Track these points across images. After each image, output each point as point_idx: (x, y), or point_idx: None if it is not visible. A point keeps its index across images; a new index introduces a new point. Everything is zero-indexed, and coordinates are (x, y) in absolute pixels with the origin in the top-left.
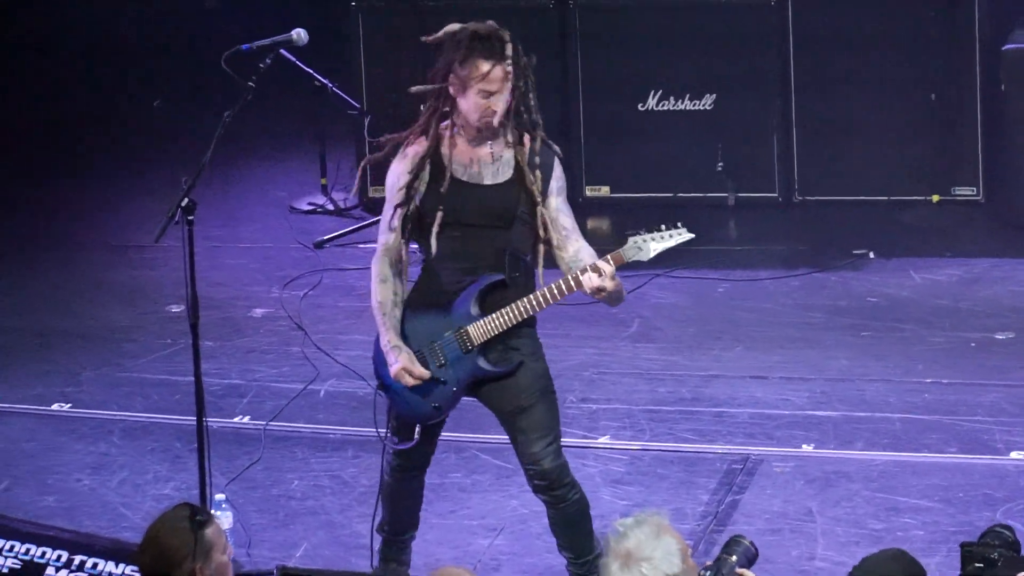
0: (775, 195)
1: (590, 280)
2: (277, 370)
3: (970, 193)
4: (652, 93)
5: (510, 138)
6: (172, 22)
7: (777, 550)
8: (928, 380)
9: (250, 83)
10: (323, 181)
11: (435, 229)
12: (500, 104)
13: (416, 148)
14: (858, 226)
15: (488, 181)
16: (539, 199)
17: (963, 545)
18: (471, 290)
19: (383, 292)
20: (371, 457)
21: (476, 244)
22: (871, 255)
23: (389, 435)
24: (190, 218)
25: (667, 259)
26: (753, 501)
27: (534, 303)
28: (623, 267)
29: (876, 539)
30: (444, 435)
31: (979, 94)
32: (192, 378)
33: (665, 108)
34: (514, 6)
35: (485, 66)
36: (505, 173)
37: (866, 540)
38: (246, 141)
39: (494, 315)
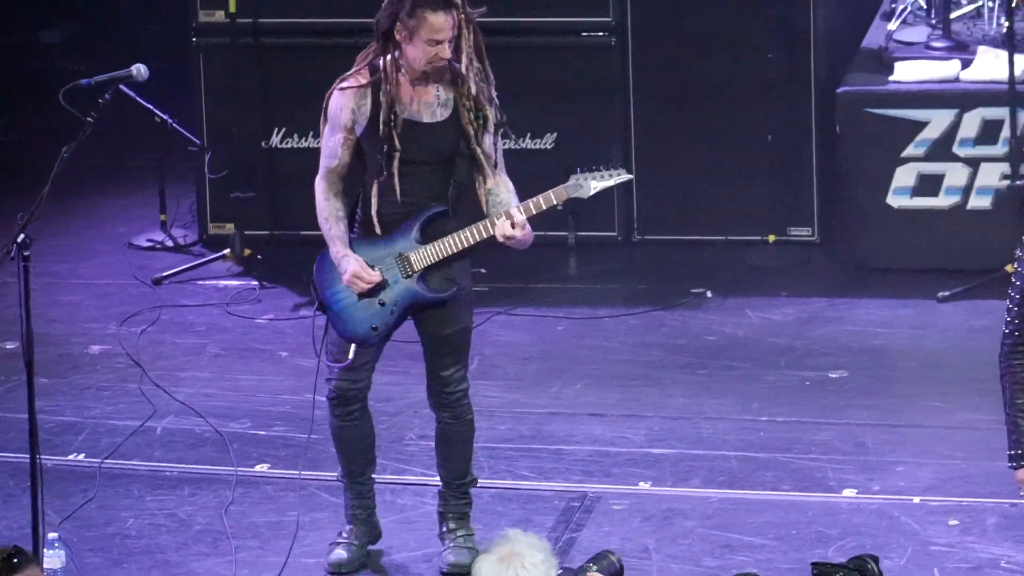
0: (615, 234)
1: (503, 228)
2: (114, 407)
3: (806, 234)
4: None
5: (448, 77)
6: (12, 57)
7: None
8: (764, 418)
9: (89, 118)
10: (163, 217)
11: (395, 166)
12: (447, 51)
13: (358, 80)
14: (696, 265)
15: (427, 119)
16: (476, 141)
17: (814, 565)
18: (414, 219)
19: (329, 208)
20: (208, 495)
21: (418, 179)
22: (709, 294)
23: (325, 357)
24: (26, 254)
25: (508, 297)
26: (591, 538)
27: (471, 236)
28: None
29: None
30: (284, 472)
31: (815, 136)
32: (26, 415)
33: (507, 147)
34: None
35: (434, 17)
36: (444, 112)
37: None
38: (85, 177)
39: (435, 243)
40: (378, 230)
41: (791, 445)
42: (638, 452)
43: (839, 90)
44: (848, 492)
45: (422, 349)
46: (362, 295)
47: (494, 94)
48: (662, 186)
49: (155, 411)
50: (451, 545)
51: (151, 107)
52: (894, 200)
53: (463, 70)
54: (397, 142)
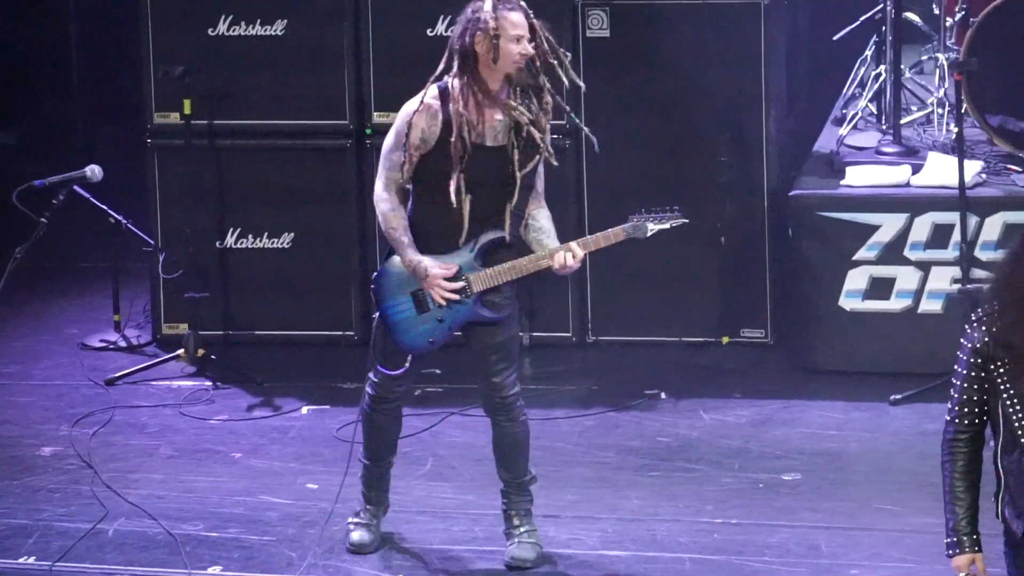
0: (569, 335)
1: (563, 259)
2: (65, 509)
3: (759, 335)
4: None
5: (511, 101)
6: None
7: None
8: (718, 520)
9: (43, 219)
10: (116, 318)
11: (453, 186)
12: (529, 48)
13: (431, 100)
14: (650, 367)
15: (490, 143)
16: (521, 166)
17: None
18: (475, 241)
19: (396, 217)
20: None
21: (479, 202)
22: (662, 395)
23: (379, 365)
24: None
25: (463, 398)
26: None
27: (529, 265)
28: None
29: None
30: (236, 575)
31: (768, 239)
32: None
33: None
34: None
35: (515, 15)
36: (503, 136)
37: None
38: (39, 277)
39: (495, 268)
40: (436, 247)
41: (745, 548)
42: (592, 554)
43: (791, 193)
44: None
45: (474, 363)
46: (422, 310)
47: (547, 123)
48: (616, 288)
49: (107, 513)
50: (516, 541)
51: (105, 208)
52: (846, 303)
53: (541, 80)
54: (463, 164)
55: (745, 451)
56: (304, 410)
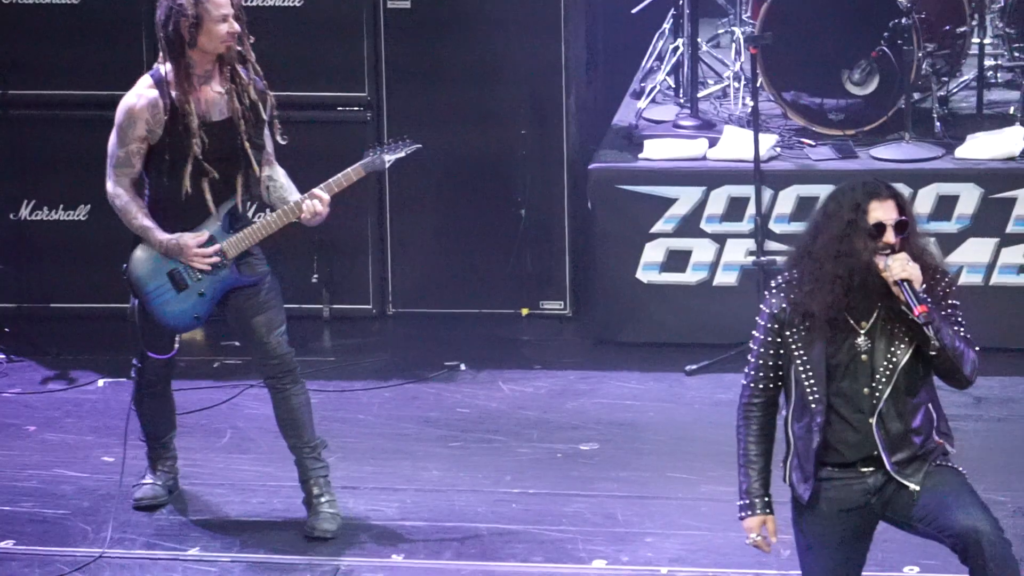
0: (369, 307)
1: (312, 207)
2: None
3: (558, 307)
4: None
5: (226, 74)
6: None
7: None
8: (516, 490)
9: None
10: None
11: (189, 166)
12: (236, 25)
13: (148, 90)
14: (450, 338)
15: (216, 118)
16: (250, 134)
17: None
18: (217, 212)
19: (134, 207)
20: None
21: (217, 174)
22: (462, 367)
23: (148, 352)
24: None
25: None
26: None
27: (280, 219)
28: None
29: None
30: (29, 548)
31: (567, 211)
32: None
33: None
34: None
35: None
36: (227, 108)
37: None
38: None
39: (246, 231)
40: (181, 226)
41: (542, 517)
42: (391, 524)
43: (590, 167)
44: (598, 563)
45: (240, 334)
46: (181, 288)
47: (264, 86)
48: (417, 260)
49: None
50: (317, 511)
51: None
52: (644, 275)
53: (247, 51)
54: (195, 143)
55: (543, 422)
56: (100, 383)
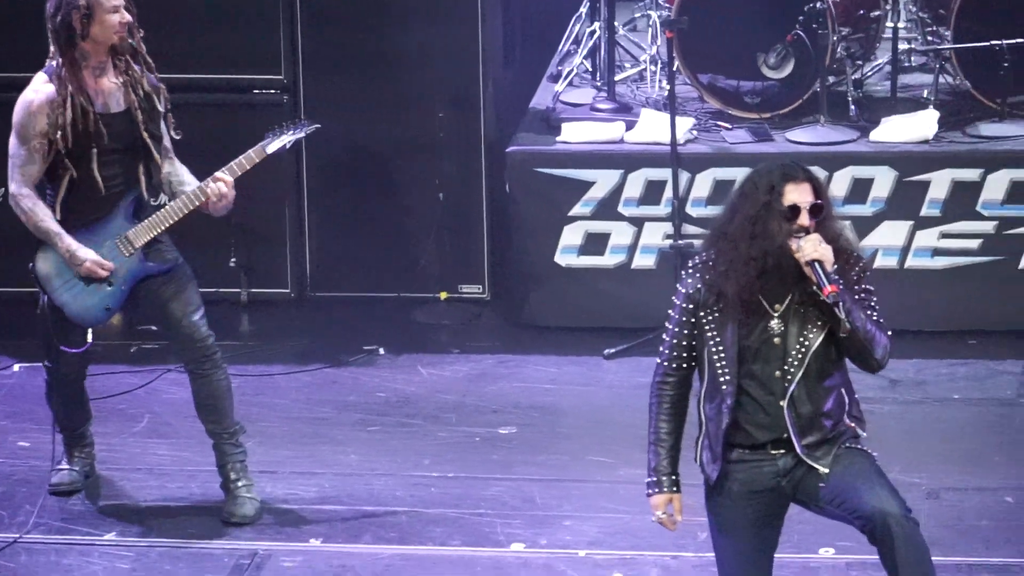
0: (288, 291)
1: (216, 189)
2: None
3: (476, 291)
4: None
5: (120, 66)
6: None
7: None
8: (435, 474)
9: None
10: None
11: (94, 161)
12: (127, 15)
13: (45, 88)
14: (368, 322)
15: (114, 109)
16: (145, 126)
17: None
18: (121, 203)
19: (40, 210)
20: None
21: (115, 167)
22: (381, 351)
23: (61, 347)
24: None
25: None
26: None
27: (184, 205)
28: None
29: None
30: None
31: (485, 195)
32: None
33: None
34: None
35: None
36: (124, 99)
37: None
38: None
39: (151, 219)
40: (85, 221)
41: (461, 501)
42: (310, 509)
43: (508, 150)
44: (516, 546)
45: (158, 321)
46: (89, 280)
47: (156, 80)
48: (335, 243)
49: None
50: (234, 496)
51: None
52: (562, 259)
53: (138, 44)
54: (94, 137)
55: (462, 406)
56: (15, 367)
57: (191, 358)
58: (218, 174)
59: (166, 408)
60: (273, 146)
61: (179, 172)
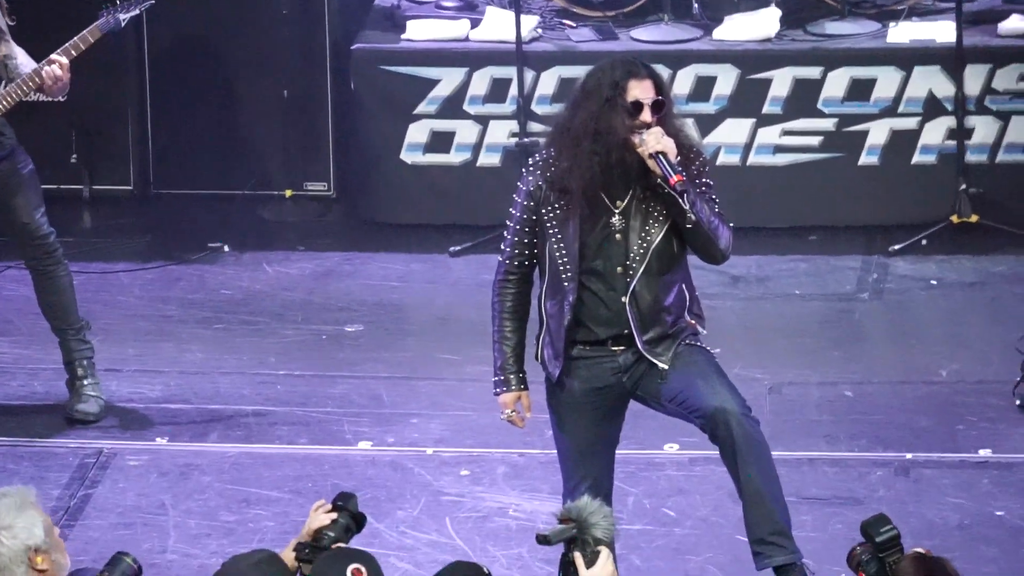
0: (130, 188)
1: (51, 72)
2: None
3: (322, 189)
4: None
5: None
6: None
7: (130, 544)
8: (281, 372)
9: None
10: None
11: None
12: None
13: None
14: (213, 220)
15: None
16: None
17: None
18: None
19: None
20: None
21: None
22: (226, 248)
23: None
24: None
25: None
26: (106, 495)
27: (20, 90)
28: None
29: (228, 531)
30: None
31: (330, 92)
32: None
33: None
34: None
35: None
36: None
37: (218, 532)
38: None
39: None
40: None
41: (308, 399)
42: (154, 407)
43: (353, 47)
44: (363, 445)
45: (1, 220)
46: None
47: None
48: (179, 140)
49: None
50: (80, 393)
51: None
52: (407, 156)
53: None
54: None
55: (308, 303)
56: None
57: (32, 255)
58: (53, 56)
59: (7, 305)
60: (108, 24)
61: (15, 54)
